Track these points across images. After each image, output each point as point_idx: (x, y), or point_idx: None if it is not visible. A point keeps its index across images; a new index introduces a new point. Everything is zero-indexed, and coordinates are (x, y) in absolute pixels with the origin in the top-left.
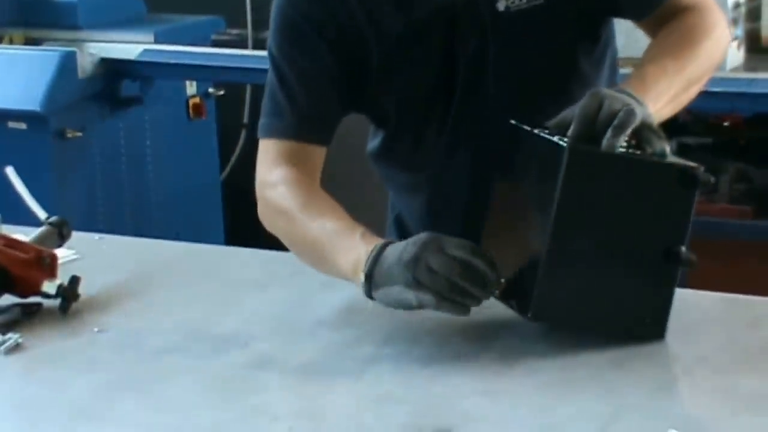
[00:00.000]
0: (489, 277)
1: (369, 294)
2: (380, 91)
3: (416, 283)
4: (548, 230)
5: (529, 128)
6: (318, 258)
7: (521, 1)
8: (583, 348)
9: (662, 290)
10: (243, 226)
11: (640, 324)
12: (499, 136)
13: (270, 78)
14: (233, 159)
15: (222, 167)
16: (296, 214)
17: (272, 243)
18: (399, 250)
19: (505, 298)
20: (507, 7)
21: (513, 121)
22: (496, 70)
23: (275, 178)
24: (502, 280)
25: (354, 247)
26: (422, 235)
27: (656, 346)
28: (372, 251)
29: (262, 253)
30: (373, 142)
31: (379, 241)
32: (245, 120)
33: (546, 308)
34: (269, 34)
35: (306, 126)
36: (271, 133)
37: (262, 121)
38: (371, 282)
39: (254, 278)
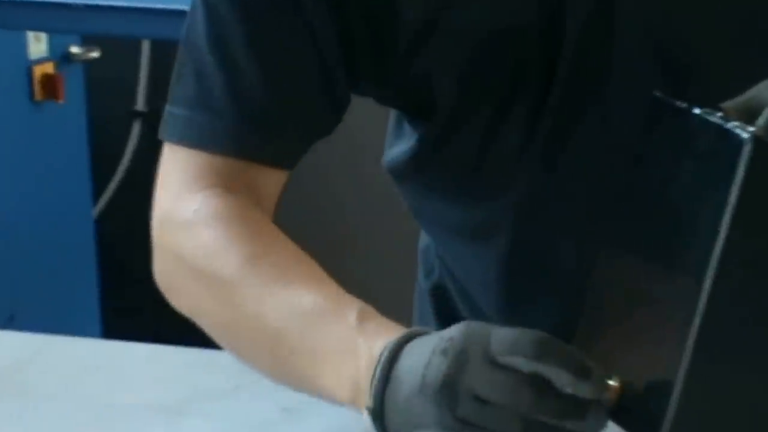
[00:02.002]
0: (585, 396)
1: None
2: (423, 62)
3: (461, 426)
4: (703, 292)
5: (684, 105)
6: (284, 365)
7: None
8: None
9: None
10: (134, 299)
11: None
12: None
13: (194, 35)
14: (118, 177)
15: (97, 192)
16: (239, 276)
17: (191, 328)
18: (420, 364)
19: (618, 417)
20: None
21: (657, 93)
22: (637, 25)
23: (196, 212)
24: (614, 383)
25: (347, 347)
26: (452, 333)
27: None
28: (378, 364)
29: (173, 351)
30: (398, 148)
31: (389, 336)
32: (139, 105)
33: None
34: None
35: (259, 134)
36: (192, 139)
37: (172, 110)
38: (384, 424)
39: (159, 398)
